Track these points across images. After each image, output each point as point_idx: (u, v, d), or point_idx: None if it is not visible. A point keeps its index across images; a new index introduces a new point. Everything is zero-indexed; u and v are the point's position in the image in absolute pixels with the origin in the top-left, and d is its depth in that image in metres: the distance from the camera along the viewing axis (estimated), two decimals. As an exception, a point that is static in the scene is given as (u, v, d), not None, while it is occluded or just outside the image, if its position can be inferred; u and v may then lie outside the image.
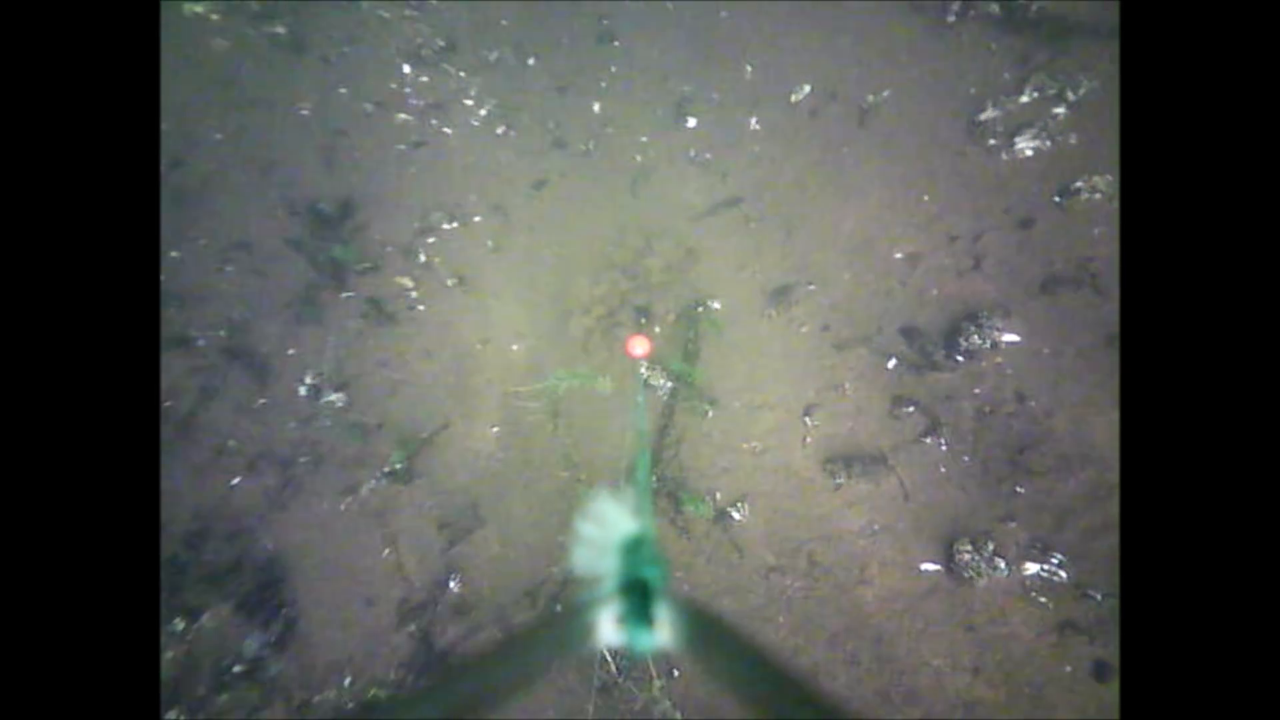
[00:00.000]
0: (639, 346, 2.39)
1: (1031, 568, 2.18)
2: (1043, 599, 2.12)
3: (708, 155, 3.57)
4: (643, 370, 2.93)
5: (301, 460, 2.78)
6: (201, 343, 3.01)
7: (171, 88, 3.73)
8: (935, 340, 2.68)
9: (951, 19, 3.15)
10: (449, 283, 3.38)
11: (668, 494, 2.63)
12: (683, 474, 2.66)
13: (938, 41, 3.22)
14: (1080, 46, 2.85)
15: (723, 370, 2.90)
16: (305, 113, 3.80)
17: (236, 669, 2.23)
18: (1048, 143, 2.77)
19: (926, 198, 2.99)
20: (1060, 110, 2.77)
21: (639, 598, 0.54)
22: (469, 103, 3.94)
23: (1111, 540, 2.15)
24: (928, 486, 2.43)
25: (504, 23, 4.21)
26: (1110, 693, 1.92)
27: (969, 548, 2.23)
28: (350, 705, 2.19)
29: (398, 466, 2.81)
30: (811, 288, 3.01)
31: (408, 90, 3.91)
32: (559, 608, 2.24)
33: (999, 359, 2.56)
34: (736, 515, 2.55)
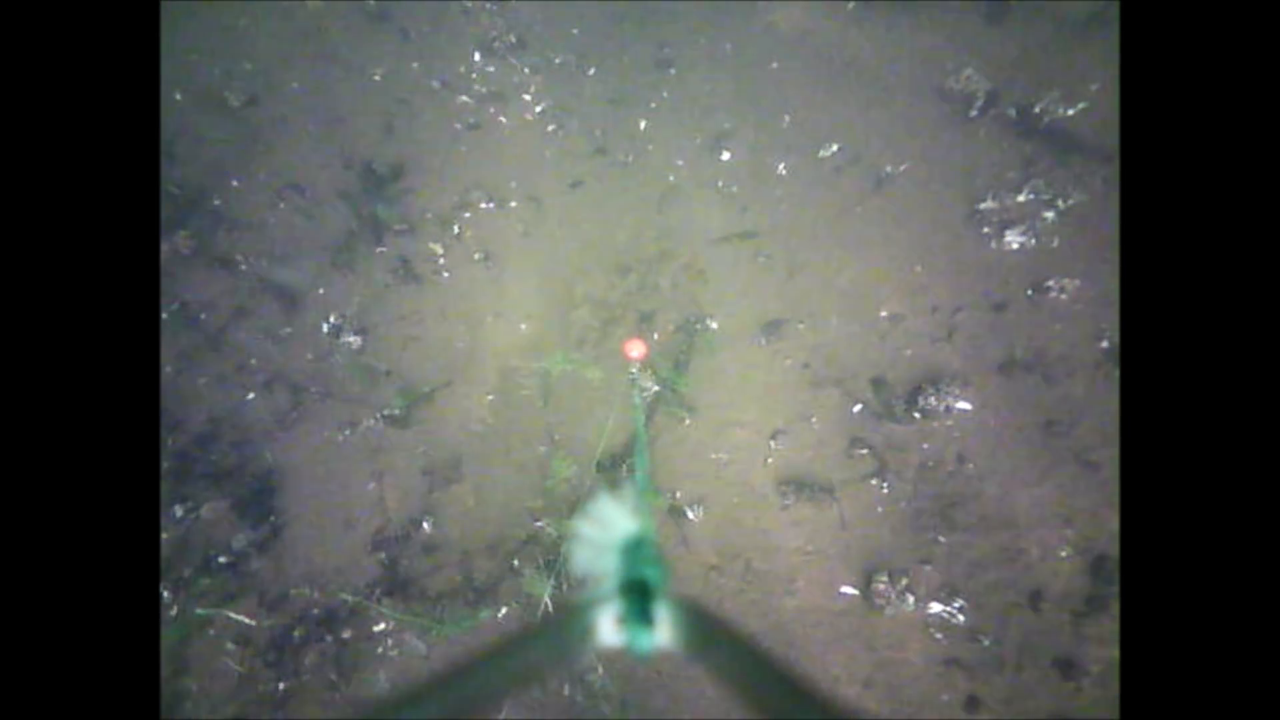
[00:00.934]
0: (636, 349, 2.71)
1: (936, 607, 2.48)
2: (939, 635, 2.43)
3: (734, 188, 3.93)
4: (634, 370, 3.26)
5: (312, 390, 3.11)
6: (244, 267, 3.36)
7: (262, 33, 4.12)
8: (899, 395, 3.01)
9: (974, 114, 3.52)
10: (475, 257, 3.73)
11: (635, 485, 2.95)
12: (651, 468, 2.98)
13: (957, 131, 3.59)
14: (1079, 162, 3.21)
15: (707, 384, 3.23)
16: (377, 78, 4.18)
17: (222, 559, 2.55)
18: (1033, 240, 3.12)
19: (919, 268, 3.34)
20: (1050, 215, 3.13)
21: (639, 598, 0.54)
22: (527, 98, 4.32)
23: (1009, 597, 2.46)
24: (863, 521, 2.75)
25: (574, 32, 4.61)
26: (979, 726, 2.22)
27: (885, 580, 2.54)
28: (315, 611, 2.49)
29: (396, 412, 3.13)
30: (801, 326, 3.35)
31: (474, 76, 4.30)
32: (516, 562, 2.54)
33: (949, 422, 2.88)
34: (690, 514, 2.87)
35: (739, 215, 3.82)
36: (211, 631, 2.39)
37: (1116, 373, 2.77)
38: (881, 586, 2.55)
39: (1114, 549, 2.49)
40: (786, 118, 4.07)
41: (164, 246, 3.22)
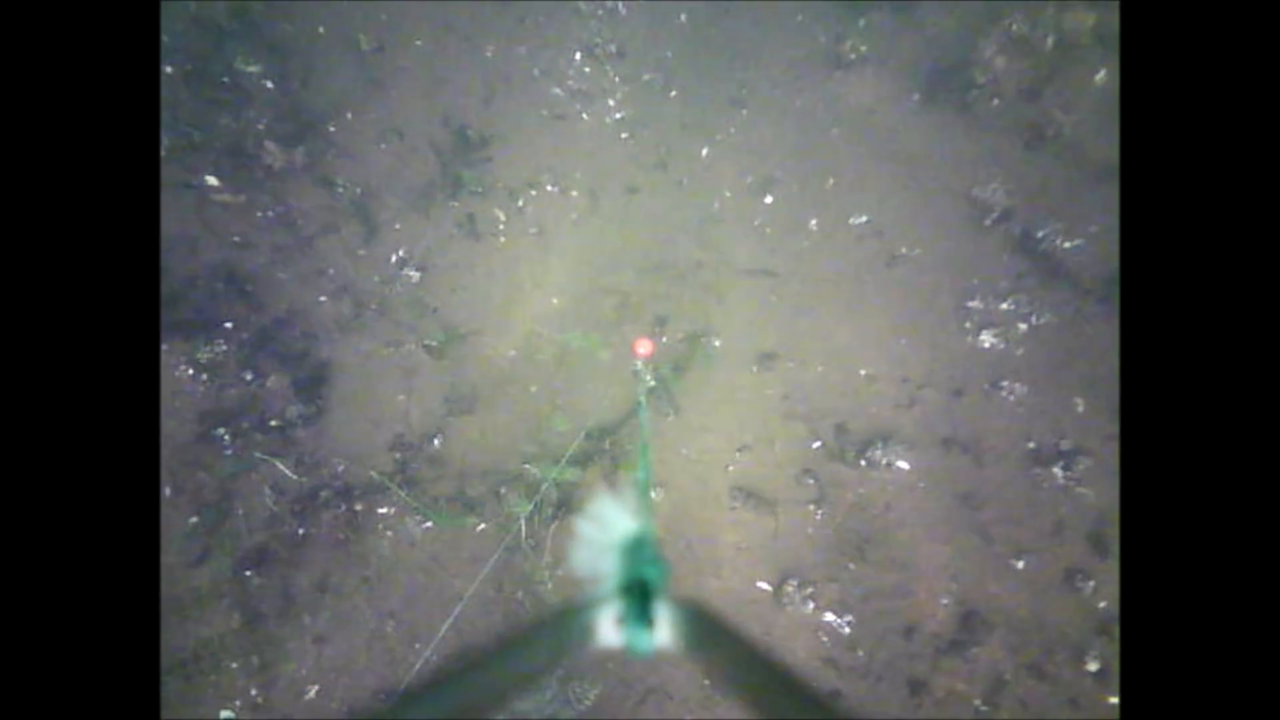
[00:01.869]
0: (644, 346, 3.27)
1: (829, 617, 3.05)
2: (824, 638, 2.99)
3: (768, 230, 4.49)
4: (638, 364, 3.84)
5: (372, 307, 3.73)
6: (341, 190, 3.99)
7: (401, -10, 4.74)
8: (853, 442, 3.56)
9: (988, 222, 4.05)
10: (530, 230, 4.32)
11: (610, 456, 3.54)
12: (627, 448, 3.56)
13: (970, 234, 4.12)
14: (1060, 290, 3.74)
15: (696, 391, 3.80)
16: (488, 54, 4.79)
17: (274, 423, 3.18)
18: (1002, 344, 3.65)
19: (904, 341, 3.88)
20: (1023, 326, 3.66)
21: (639, 598, 0.55)
22: (610, 103, 4.90)
23: (889, 624, 3.01)
24: (793, 536, 3.31)
25: (668, 54, 5.18)
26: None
27: (795, 585, 3.11)
28: (339, 482, 3.12)
29: (434, 344, 3.74)
30: (790, 364, 3.91)
31: (570, 72, 4.89)
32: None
33: (887, 475, 3.43)
34: (652, 494, 3.44)
35: (766, 254, 4.38)
36: (255, 476, 3.02)
37: (1034, 470, 3.30)
38: (790, 590, 3.12)
39: (987, 610, 3.03)
40: (831, 181, 4.62)
41: (279, 160, 3.86)
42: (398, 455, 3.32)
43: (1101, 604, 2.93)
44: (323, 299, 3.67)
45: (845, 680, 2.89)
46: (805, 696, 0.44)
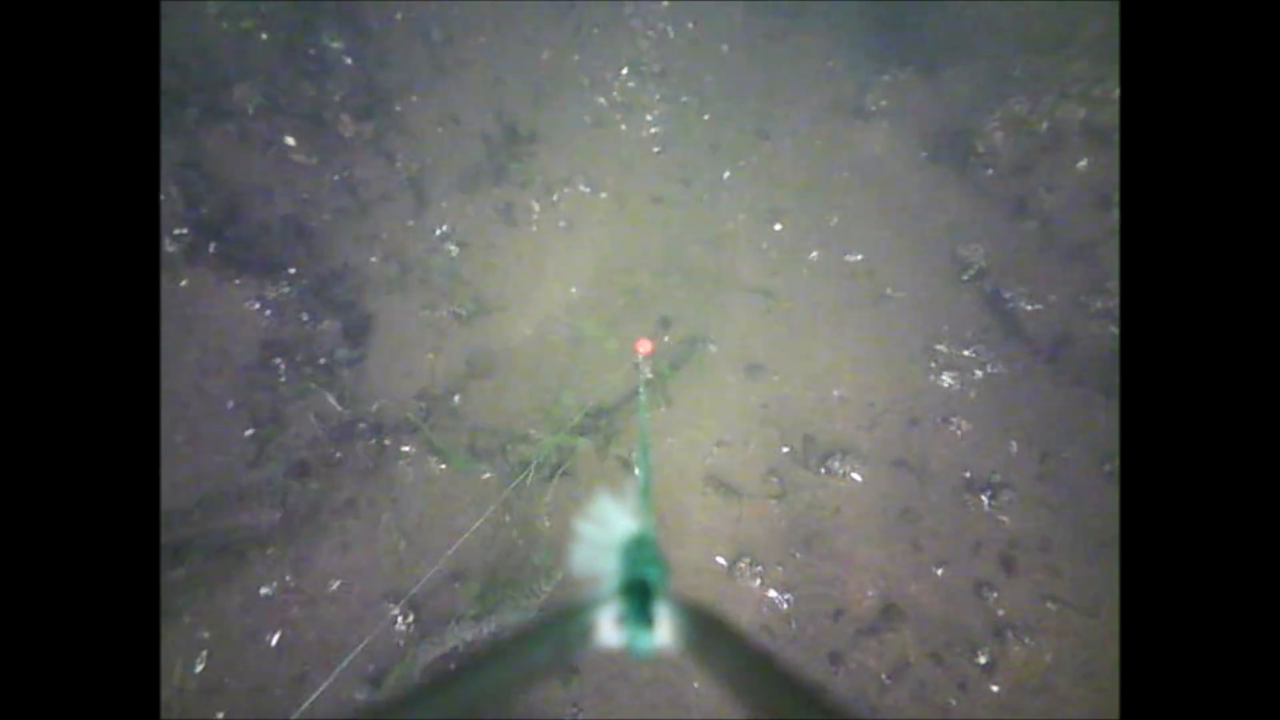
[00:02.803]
0: (645, 345, 3.82)
1: (772, 593, 3.63)
2: (765, 610, 3.58)
3: (773, 254, 5.07)
4: (639, 359, 4.40)
5: (415, 272, 4.29)
6: (399, 165, 4.54)
7: (475, -11, 5.29)
8: (817, 452, 4.15)
9: (965, 278, 4.64)
10: (560, 224, 4.89)
11: (605, 433, 4.11)
12: (619, 428, 4.14)
13: (949, 285, 4.71)
14: (1014, 346, 4.33)
15: (688, 389, 4.38)
16: (544, 57, 5.35)
17: (322, 360, 3.74)
18: (959, 386, 4.25)
19: (876, 371, 4.47)
20: (978, 373, 4.25)
21: (639, 598, 0.56)
22: (648, 118, 5.47)
23: (821, 606, 3.60)
24: (752, 524, 3.90)
25: (707, 79, 5.75)
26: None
27: (747, 563, 3.70)
28: (371, 420, 3.68)
29: (464, 313, 4.30)
30: (775, 377, 4.49)
31: (615, 85, 5.45)
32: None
33: (842, 484, 4.02)
34: (637, 470, 4.02)
35: (767, 275, 4.96)
36: (303, 402, 3.58)
37: (966, 495, 3.90)
38: (743, 567, 3.70)
39: (905, 605, 3.62)
40: (835, 218, 5.20)
41: (351, 130, 4.40)
42: (422, 404, 3.88)
43: (1000, 612, 3.52)
44: (374, 259, 4.22)
45: (776, 645, 3.48)
46: (805, 696, 0.45)
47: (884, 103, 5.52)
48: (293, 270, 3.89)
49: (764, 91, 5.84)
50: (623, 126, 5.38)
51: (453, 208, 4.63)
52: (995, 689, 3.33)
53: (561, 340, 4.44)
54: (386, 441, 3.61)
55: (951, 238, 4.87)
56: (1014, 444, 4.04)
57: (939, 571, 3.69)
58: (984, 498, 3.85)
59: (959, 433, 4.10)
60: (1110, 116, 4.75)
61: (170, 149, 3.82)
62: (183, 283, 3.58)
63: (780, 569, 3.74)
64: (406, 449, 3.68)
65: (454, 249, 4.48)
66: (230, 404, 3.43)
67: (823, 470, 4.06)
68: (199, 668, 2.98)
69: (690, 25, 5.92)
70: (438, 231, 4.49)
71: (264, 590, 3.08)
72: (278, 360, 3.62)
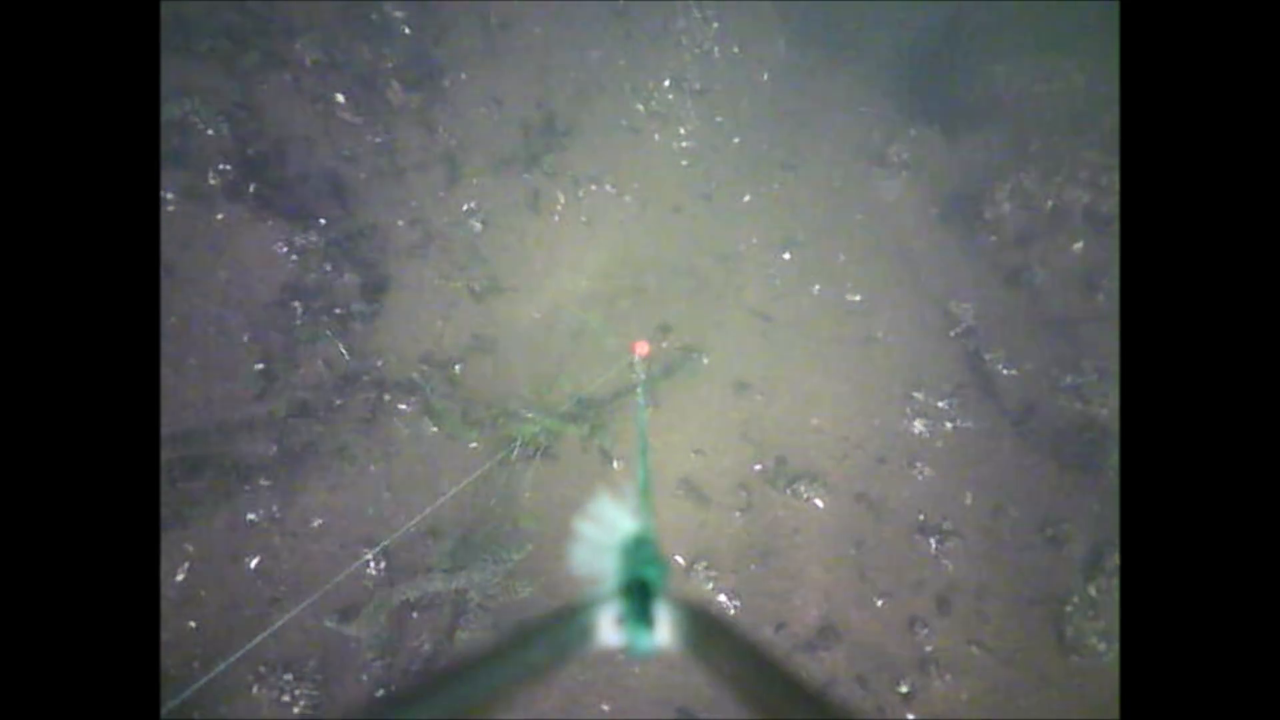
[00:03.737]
0: (642, 348, 4.07)
1: (723, 597, 3.91)
2: (711, 607, 3.85)
3: (778, 281, 5.35)
4: (634, 360, 4.66)
5: (437, 242, 4.54)
6: (439, 137, 4.78)
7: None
8: (786, 475, 4.43)
9: (953, 334, 4.95)
10: (582, 219, 5.14)
11: (591, 424, 4.37)
12: (605, 421, 4.40)
13: (937, 339, 5.02)
14: (988, 404, 4.64)
15: (676, 395, 4.65)
16: (592, 57, 5.60)
17: (338, 310, 3.97)
18: (928, 434, 4.55)
19: (854, 408, 4.76)
20: (948, 425, 4.55)
21: (639, 598, 0.57)
22: (681, 131, 5.74)
23: (769, 618, 3.87)
24: (715, 530, 4.17)
25: (743, 103, 6.03)
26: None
27: (704, 566, 3.97)
28: (376, 374, 3.91)
29: (477, 288, 4.55)
30: (759, 398, 4.77)
31: (655, 95, 5.72)
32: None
33: (803, 508, 4.30)
34: (614, 464, 4.28)
35: (769, 300, 5.24)
36: (314, 347, 3.82)
37: (916, 536, 4.19)
38: (699, 568, 3.97)
39: (842, 628, 3.90)
40: (842, 257, 5.50)
41: (399, 97, 4.64)
42: (425, 367, 4.13)
43: (928, 648, 3.82)
44: (400, 223, 4.46)
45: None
46: (805, 696, 0.45)
47: (906, 155, 5.83)
48: (323, 221, 4.12)
49: (795, 125, 6.13)
50: (656, 136, 5.64)
51: (482, 186, 4.87)
52: (910, 718, 3.61)
53: (565, 329, 4.69)
54: (386, 397, 3.85)
55: (946, 294, 5.18)
56: (969, 496, 4.34)
57: (879, 602, 3.98)
58: (932, 541, 4.15)
59: (920, 477, 4.40)
60: (1112, 206, 5.08)
61: (228, 88, 4.05)
62: (219, 216, 3.81)
63: (734, 576, 4.02)
64: (403, 407, 3.92)
65: (478, 226, 4.72)
66: (246, 337, 3.65)
67: (789, 492, 4.34)
68: (179, 577, 3.21)
69: (736, 49, 6.20)
70: (465, 207, 4.74)
71: (251, 516, 3.31)
72: (296, 304, 3.85)
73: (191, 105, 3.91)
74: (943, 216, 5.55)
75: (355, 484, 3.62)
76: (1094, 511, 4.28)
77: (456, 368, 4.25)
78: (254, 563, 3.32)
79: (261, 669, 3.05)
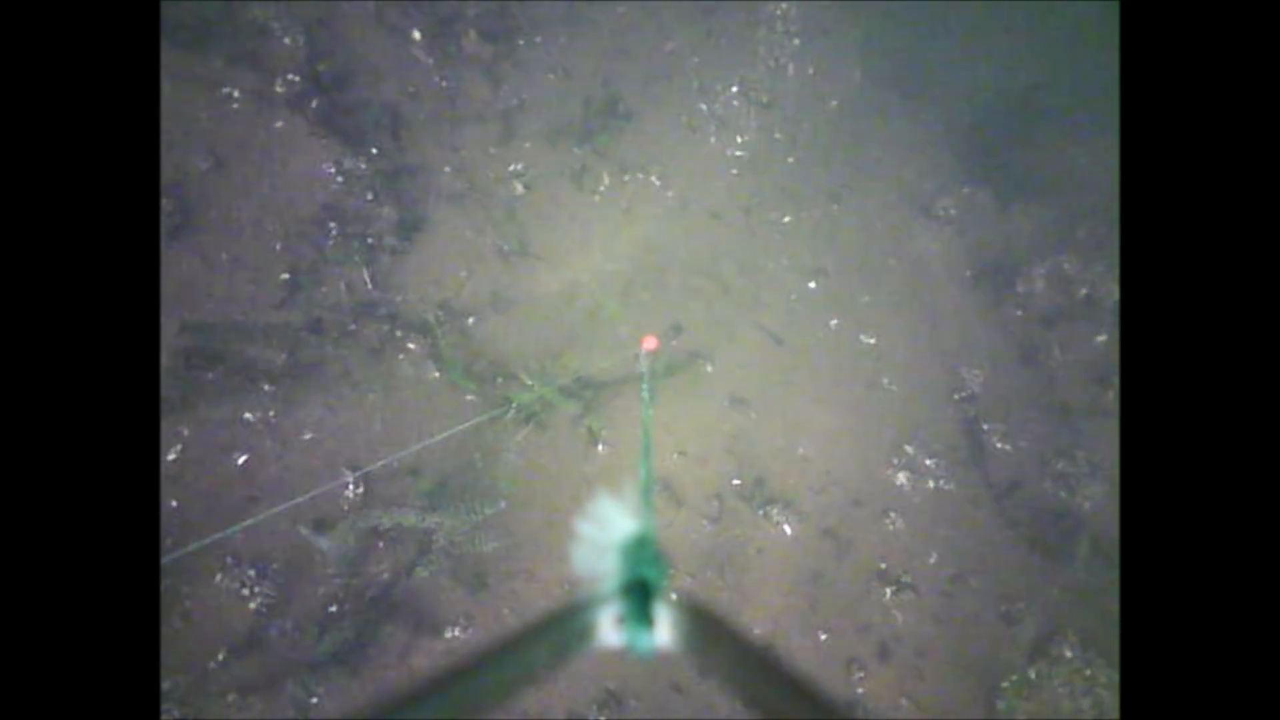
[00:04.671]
0: (650, 343, 4.18)
1: (672, 596, 4.04)
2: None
3: (799, 307, 5.43)
4: (640, 354, 4.78)
5: (478, 193, 4.66)
6: (502, 93, 4.89)
7: (631, -38, 5.61)
8: (762, 495, 4.54)
9: (956, 397, 5.02)
10: (622, 204, 5.24)
11: (586, 404, 4.50)
12: (600, 403, 4.53)
13: (938, 397, 5.09)
14: (974, 471, 4.72)
15: (674, 394, 4.76)
16: (668, 48, 5.68)
17: (370, 239, 4.11)
18: (909, 487, 4.64)
19: (844, 447, 4.86)
20: (930, 483, 4.65)
21: (639, 598, 0.57)
22: (738, 139, 5.81)
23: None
24: (686, 534, 4.30)
25: (805, 126, 6.08)
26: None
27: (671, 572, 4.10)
28: (383, 311, 4.06)
29: (506, 248, 4.67)
30: (754, 415, 4.88)
31: (721, 99, 5.79)
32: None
33: (773, 531, 4.42)
34: (600, 446, 4.42)
35: (785, 324, 5.33)
36: (339, 269, 3.96)
37: (873, 582, 4.30)
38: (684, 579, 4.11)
39: (782, 654, 4.03)
40: (866, 298, 5.57)
41: (473, 46, 4.75)
42: (441, 313, 4.27)
43: (860, 690, 3.94)
44: (447, 169, 4.59)
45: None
46: (805, 696, 0.45)
47: (953, 211, 5.87)
48: (375, 151, 4.26)
49: (851, 158, 6.18)
50: (712, 139, 5.72)
51: (533, 151, 4.98)
52: (828, 750, 3.75)
53: (581, 307, 4.81)
54: (398, 333, 3.99)
55: (960, 357, 5.25)
56: (934, 556, 4.44)
57: (823, 636, 4.10)
58: (888, 590, 4.26)
59: (892, 527, 4.50)
60: (1144, 308, 5.12)
61: (310, 6, 4.17)
62: (279, 123, 3.95)
63: (689, 580, 4.15)
64: (412, 346, 4.07)
65: (520, 188, 4.84)
66: (278, 245, 3.81)
67: (761, 512, 4.46)
68: (170, 457, 3.38)
69: (811, 70, 6.24)
70: (512, 168, 4.85)
71: (248, 415, 3.48)
72: (332, 224, 4.00)
73: (275, 10, 4.05)
74: (975, 280, 5.61)
75: (352, 408, 3.77)
76: (1052, 599, 4.37)
77: (470, 320, 4.38)
78: (242, 460, 3.49)
79: (229, 559, 3.23)
